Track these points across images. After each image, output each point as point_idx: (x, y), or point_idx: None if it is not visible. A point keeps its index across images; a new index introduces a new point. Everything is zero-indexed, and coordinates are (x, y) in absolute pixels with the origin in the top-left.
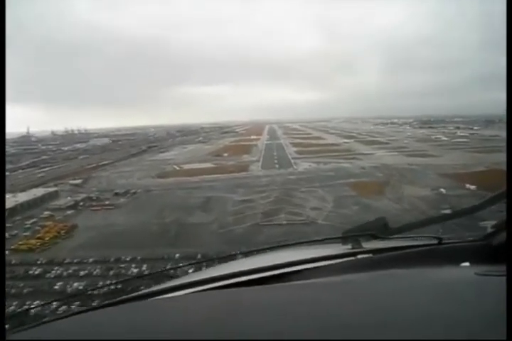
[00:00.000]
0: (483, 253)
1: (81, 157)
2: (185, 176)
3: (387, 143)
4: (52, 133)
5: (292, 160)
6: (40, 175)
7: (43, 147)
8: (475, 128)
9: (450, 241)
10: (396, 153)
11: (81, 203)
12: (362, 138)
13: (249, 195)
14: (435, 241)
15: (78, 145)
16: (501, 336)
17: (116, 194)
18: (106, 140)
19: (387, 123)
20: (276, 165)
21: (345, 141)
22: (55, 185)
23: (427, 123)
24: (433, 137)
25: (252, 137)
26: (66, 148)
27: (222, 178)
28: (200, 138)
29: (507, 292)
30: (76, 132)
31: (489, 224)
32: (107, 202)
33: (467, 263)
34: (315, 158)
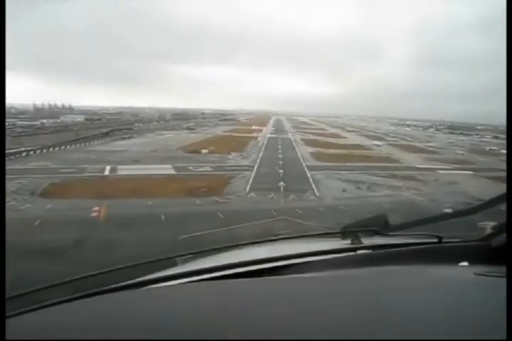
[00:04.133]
0: (482, 253)
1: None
2: (89, 197)
3: (434, 152)
4: (34, 106)
5: (308, 173)
6: None
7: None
8: None
9: (450, 240)
10: (469, 172)
11: None
12: (393, 140)
13: None
14: (435, 240)
15: (43, 122)
16: (501, 336)
17: None
18: (79, 117)
19: (409, 125)
20: (281, 184)
21: (376, 143)
22: None
23: (454, 128)
24: (487, 148)
25: (254, 127)
26: (20, 123)
27: (151, 216)
28: (191, 124)
29: (507, 293)
30: (60, 107)
31: (489, 225)
32: None
33: (466, 263)
34: (345, 169)
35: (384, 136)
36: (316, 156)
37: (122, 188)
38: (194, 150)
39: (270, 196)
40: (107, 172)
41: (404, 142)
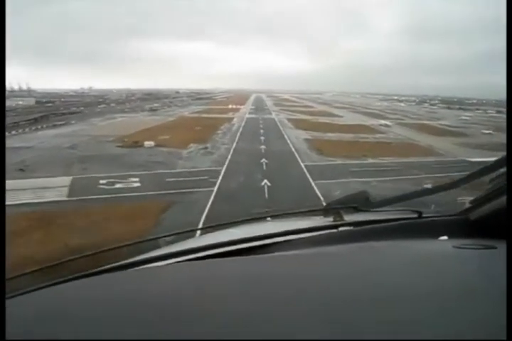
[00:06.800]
0: (460, 227)
1: None
2: None
3: (459, 134)
4: None
5: (315, 185)
6: None
7: None
8: None
9: (429, 215)
10: None
11: None
12: (397, 118)
13: None
14: (415, 215)
15: None
16: (481, 306)
17: None
18: (28, 101)
19: (400, 100)
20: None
21: (382, 122)
22: None
23: (447, 103)
24: None
25: (230, 106)
26: None
27: None
28: (156, 105)
29: (507, 268)
30: (16, 90)
31: (467, 200)
32: None
33: (445, 237)
34: (370, 173)
35: (382, 113)
36: (316, 147)
37: None
38: (135, 142)
39: None
40: None
41: (411, 120)
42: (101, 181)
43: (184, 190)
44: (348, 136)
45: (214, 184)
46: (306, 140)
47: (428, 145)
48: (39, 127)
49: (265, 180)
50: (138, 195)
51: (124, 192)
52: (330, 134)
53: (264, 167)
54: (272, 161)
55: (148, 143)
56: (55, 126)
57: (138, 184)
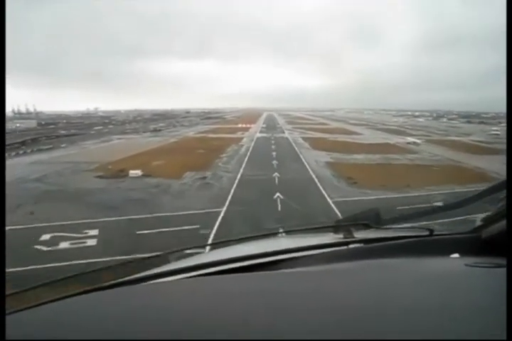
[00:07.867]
0: (472, 245)
1: None
2: None
3: (502, 152)
4: None
5: None
6: None
7: None
8: None
9: (441, 232)
10: None
11: None
12: (420, 135)
13: None
14: (426, 233)
15: None
16: (492, 324)
17: None
18: (29, 123)
19: (416, 116)
20: None
21: (410, 140)
22: None
23: (465, 117)
24: None
25: (240, 126)
26: None
27: None
28: (160, 125)
29: (507, 287)
30: (23, 112)
31: (478, 218)
32: None
33: (457, 255)
34: (423, 215)
35: (403, 129)
36: (341, 173)
37: None
38: (120, 170)
39: None
40: None
41: (439, 137)
42: (43, 237)
43: (158, 253)
44: (376, 158)
45: (206, 239)
46: (328, 164)
47: (476, 168)
48: (20, 152)
49: (280, 229)
50: (85, 263)
51: (67, 258)
52: (355, 156)
53: (279, 206)
54: (288, 197)
55: (133, 173)
56: (40, 150)
57: (93, 241)
